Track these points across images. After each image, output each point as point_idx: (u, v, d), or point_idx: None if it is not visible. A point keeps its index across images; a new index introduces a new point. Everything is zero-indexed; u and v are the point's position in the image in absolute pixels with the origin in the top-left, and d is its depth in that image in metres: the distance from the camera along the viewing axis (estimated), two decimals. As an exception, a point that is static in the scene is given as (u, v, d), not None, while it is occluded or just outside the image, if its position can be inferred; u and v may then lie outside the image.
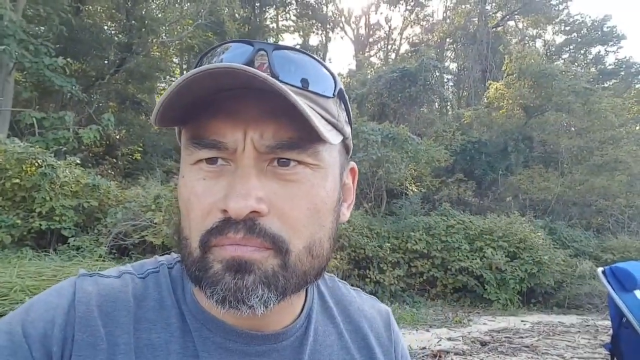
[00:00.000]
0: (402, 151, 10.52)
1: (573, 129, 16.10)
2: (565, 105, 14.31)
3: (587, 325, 6.57)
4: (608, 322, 6.43)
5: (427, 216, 10.14)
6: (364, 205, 10.29)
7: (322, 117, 0.46)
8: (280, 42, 0.57)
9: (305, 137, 0.44)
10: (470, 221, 9.82)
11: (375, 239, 8.77)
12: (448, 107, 18.99)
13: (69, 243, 6.30)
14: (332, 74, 0.49)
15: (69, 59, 9.04)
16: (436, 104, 18.10)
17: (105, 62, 13.47)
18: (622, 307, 2.42)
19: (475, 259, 8.82)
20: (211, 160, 0.44)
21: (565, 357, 4.33)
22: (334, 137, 0.46)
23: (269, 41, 0.52)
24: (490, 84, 17.04)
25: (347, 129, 0.52)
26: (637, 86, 24.12)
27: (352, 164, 0.57)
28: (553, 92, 14.41)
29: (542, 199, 14.24)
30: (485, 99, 17.54)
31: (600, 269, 2.66)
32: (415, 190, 11.95)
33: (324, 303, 0.61)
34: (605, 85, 21.16)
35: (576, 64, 21.81)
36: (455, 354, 4.22)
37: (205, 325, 0.50)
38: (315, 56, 0.49)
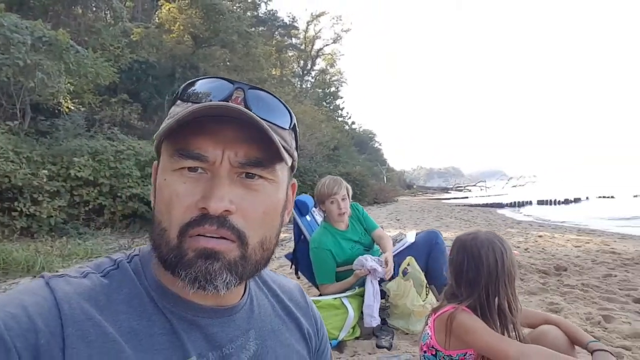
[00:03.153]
0: (60, 61, 8.73)
1: (228, 63, 17.91)
2: (230, 43, 15.68)
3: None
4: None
5: (94, 140, 9.12)
6: (7, 123, 8.10)
7: (281, 144, 0.58)
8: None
9: (268, 158, 0.57)
10: (140, 147, 9.56)
11: (26, 165, 7.21)
12: (117, 17, 16.90)
13: None
14: (289, 111, 0.63)
15: None
16: (103, 11, 15.72)
17: None
18: (302, 227, 3.18)
19: (147, 185, 8.79)
20: (192, 169, 0.55)
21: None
22: (288, 160, 0.60)
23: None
24: (162, 4, 16.30)
25: (295, 154, 0.66)
26: (277, 37, 29.22)
27: (293, 180, 0.70)
28: (220, 29, 15.44)
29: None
30: (156, 18, 16.71)
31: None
32: (73, 108, 10.37)
33: (255, 282, 0.73)
34: (258, 30, 24.43)
35: (239, 5, 23.93)
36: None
37: (177, 306, 0.59)
38: (278, 97, 0.63)
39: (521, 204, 24.18)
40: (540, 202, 24.82)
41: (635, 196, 25.28)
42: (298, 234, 3.12)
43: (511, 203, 24.69)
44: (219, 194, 0.53)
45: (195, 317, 0.59)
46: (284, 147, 0.58)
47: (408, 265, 2.97)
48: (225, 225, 0.54)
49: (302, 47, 35.92)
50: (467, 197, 37.47)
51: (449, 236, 5.94)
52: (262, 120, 0.55)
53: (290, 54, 33.99)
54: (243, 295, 0.67)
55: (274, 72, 26.49)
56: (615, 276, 4.44)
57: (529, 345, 1.44)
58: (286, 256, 3.39)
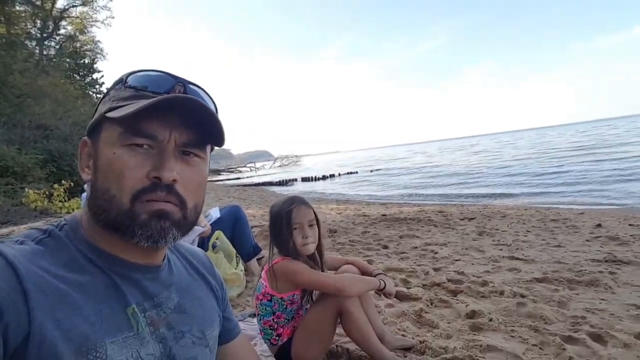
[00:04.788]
0: None
1: None
2: None
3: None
4: None
5: None
6: None
7: None
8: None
9: (202, 140, 0.72)
10: None
11: None
12: None
13: None
14: (214, 103, 0.78)
15: None
16: None
17: None
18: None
19: None
20: (139, 145, 0.66)
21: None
22: (224, 142, 0.76)
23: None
24: None
25: None
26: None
27: None
28: None
29: None
30: None
31: (86, 185, 2.90)
32: None
33: (169, 247, 0.86)
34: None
35: None
36: None
37: (114, 265, 0.68)
38: (205, 89, 0.76)
39: (289, 182, 27.04)
40: (304, 179, 28.31)
41: (372, 171, 31.71)
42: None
43: (280, 181, 27.26)
44: (169, 167, 0.66)
45: (131, 273, 0.71)
46: None
47: (217, 239, 3.07)
48: (172, 192, 0.67)
49: (39, 3, 29.12)
50: (239, 178, 39.09)
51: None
52: (212, 111, 0.69)
53: (20, 9, 27.03)
54: (164, 256, 0.80)
55: (-6, 29, 20.73)
56: (369, 232, 5.66)
57: (341, 275, 1.87)
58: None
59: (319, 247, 1.92)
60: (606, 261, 3.50)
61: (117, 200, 0.64)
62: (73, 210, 10.10)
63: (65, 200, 10.54)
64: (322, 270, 1.91)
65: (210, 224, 3.18)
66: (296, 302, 1.87)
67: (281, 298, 1.83)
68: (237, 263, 3.11)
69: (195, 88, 0.74)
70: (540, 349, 1.99)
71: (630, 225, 5.15)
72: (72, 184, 11.43)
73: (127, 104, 0.67)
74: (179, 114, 0.67)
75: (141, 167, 0.65)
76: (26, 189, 9.84)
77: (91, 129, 0.71)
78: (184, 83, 0.72)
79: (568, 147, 30.42)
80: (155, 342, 0.69)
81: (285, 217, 1.84)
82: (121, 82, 0.71)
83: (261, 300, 1.87)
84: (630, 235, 4.44)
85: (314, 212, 1.90)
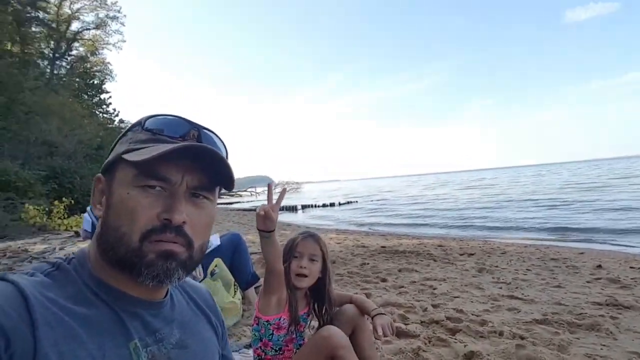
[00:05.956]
0: None
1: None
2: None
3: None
4: None
5: None
6: None
7: None
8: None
9: (212, 184, 0.76)
10: None
11: None
12: None
13: None
14: (225, 147, 0.82)
15: None
16: None
17: None
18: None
19: None
20: (151, 187, 0.69)
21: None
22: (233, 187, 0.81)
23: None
24: None
25: None
26: (15, 4, 23.66)
27: None
28: None
29: None
30: None
31: (89, 207, 2.97)
32: None
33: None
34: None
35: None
36: None
37: (119, 299, 0.70)
38: (218, 134, 0.81)
39: (290, 209, 27.00)
40: (304, 207, 28.28)
41: (372, 201, 31.70)
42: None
43: (281, 207, 27.09)
44: (180, 209, 0.69)
45: (134, 308, 0.72)
46: None
47: (215, 266, 3.06)
48: (181, 233, 0.70)
49: (54, 25, 29.90)
50: (239, 202, 39.04)
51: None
52: (225, 159, 0.74)
53: (35, 30, 27.76)
54: (167, 292, 0.82)
55: (10, 48, 21.27)
56: (368, 264, 5.62)
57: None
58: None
59: (320, 284, 1.94)
60: (607, 305, 3.46)
61: (128, 238, 0.67)
62: (72, 227, 10.06)
63: (64, 218, 10.52)
64: (331, 309, 1.99)
65: (210, 251, 3.17)
66: (283, 328, 1.82)
67: (267, 321, 1.80)
68: (235, 291, 3.09)
69: (209, 133, 0.79)
70: (540, 395, 1.95)
71: (631, 267, 5.11)
72: (72, 201, 11.44)
73: (144, 147, 0.70)
74: (192, 160, 0.71)
75: (153, 208, 0.68)
76: (26, 205, 9.82)
77: (106, 167, 0.74)
78: (198, 128, 0.77)
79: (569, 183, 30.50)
80: None
81: (291, 245, 1.94)
82: (139, 124, 0.75)
83: (252, 326, 1.88)
84: (632, 279, 4.41)
85: (323, 250, 1.94)
